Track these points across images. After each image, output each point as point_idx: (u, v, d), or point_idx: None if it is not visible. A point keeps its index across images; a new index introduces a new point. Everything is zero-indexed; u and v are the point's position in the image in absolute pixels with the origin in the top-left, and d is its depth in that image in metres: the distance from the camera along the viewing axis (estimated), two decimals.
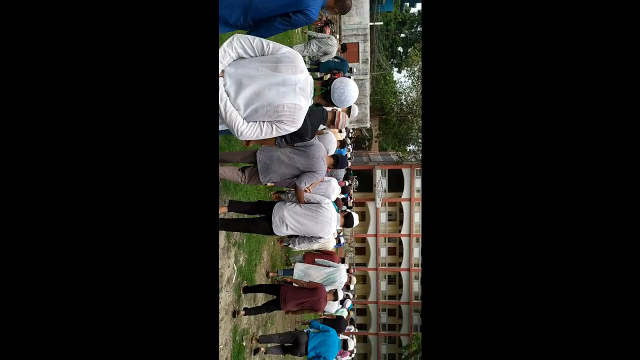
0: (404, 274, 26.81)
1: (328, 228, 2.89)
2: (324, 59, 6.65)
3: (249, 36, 1.68)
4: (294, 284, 4.04)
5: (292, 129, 1.74)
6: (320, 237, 2.96)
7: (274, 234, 2.99)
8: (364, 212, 26.48)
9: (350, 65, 7.99)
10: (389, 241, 27.60)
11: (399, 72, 31.21)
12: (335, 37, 7.17)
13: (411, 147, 22.49)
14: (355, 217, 3.32)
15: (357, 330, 10.06)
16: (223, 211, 3.18)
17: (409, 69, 23.34)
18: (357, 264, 25.57)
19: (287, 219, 2.86)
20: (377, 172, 25.24)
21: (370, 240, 26.75)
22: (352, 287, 6.75)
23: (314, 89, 1.82)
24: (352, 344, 5.85)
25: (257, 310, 3.97)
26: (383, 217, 26.47)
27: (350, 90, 2.20)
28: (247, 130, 1.67)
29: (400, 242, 26.81)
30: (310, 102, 1.77)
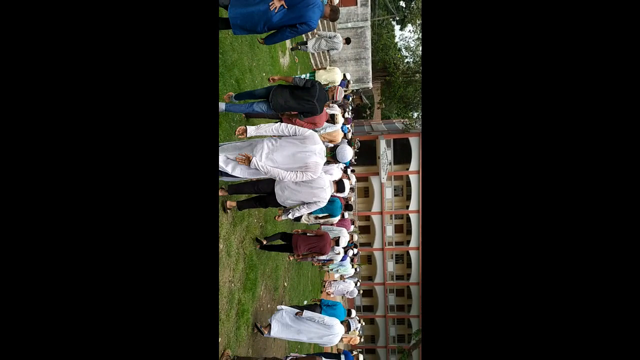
0: (412, 252, 24.73)
1: (323, 193, 3.57)
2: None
3: (288, 125, 3.04)
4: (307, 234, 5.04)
5: (313, 175, 3.13)
6: (318, 202, 3.60)
7: (279, 205, 3.79)
8: (367, 187, 24.16)
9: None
10: (395, 218, 25.34)
11: (401, 29, 27.99)
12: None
13: (418, 114, 19.67)
14: (347, 182, 3.88)
15: (362, 323, 10.25)
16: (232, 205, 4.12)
17: (414, 23, 20.21)
18: (362, 244, 23.47)
19: (286, 189, 3.59)
20: (381, 143, 22.53)
21: (375, 219, 24.55)
22: (355, 240, 8.38)
23: (326, 154, 3.59)
24: (354, 311, 6.73)
25: (272, 248, 5.11)
26: (388, 193, 24.19)
27: (347, 151, 4.74)
28: (287, 176, 3.03)
29: (408, 219, 24.59)
30: (324, 159, 3.17)
